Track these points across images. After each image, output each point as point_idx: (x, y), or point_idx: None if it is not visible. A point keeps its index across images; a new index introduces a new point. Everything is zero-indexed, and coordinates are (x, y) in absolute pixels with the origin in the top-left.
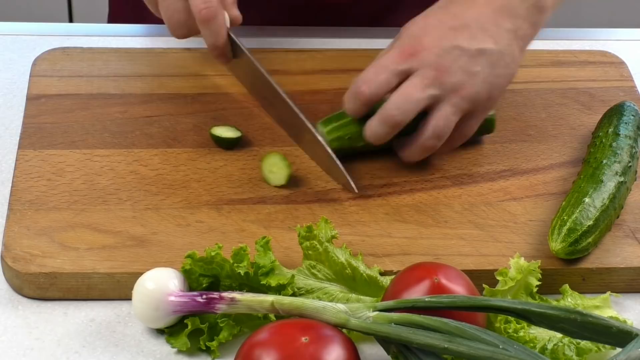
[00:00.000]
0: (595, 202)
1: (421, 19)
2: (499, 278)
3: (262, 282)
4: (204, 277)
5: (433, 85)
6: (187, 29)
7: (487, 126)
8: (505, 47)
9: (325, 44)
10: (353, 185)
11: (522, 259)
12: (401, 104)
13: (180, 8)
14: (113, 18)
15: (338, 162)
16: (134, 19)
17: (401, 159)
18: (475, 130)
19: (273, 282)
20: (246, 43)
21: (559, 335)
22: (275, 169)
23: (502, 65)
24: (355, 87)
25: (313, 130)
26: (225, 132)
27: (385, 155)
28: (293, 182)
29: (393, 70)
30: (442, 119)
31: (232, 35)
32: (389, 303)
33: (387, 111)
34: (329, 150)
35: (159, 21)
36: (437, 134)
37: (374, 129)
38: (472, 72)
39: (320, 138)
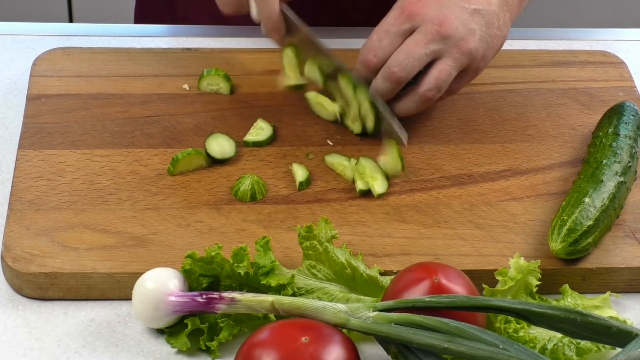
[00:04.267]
0: (595, 202)
1: None
2: (498, 278)
3: (262, 282)
4: (204, 277)
5: (435, 40)
6: (237, 4)
7: None
8: (498, 10)
9: (325, 44)
10: (403, 138)
11: (522, 258)
12: (403, 60)
13: None
14: (141, 13)
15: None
16: (163, 12)
17: (398, 112)
18: (462, 87)
19: (273, 282)
20: (245, 43)
21: (559, 335)
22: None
23: (495, 26)
24: (362, 57)
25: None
26: (219, 149)
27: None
28: (292, 182)
29: (396, 32)
30: (444, 72)
31: (285, 10)
32: (389, 303)
33: (389, 68)
34: (382, 108)
35: (184, 17)
36: (438, 85)
37: (378, 86)
38: (471, 29)
39: (379, 102)
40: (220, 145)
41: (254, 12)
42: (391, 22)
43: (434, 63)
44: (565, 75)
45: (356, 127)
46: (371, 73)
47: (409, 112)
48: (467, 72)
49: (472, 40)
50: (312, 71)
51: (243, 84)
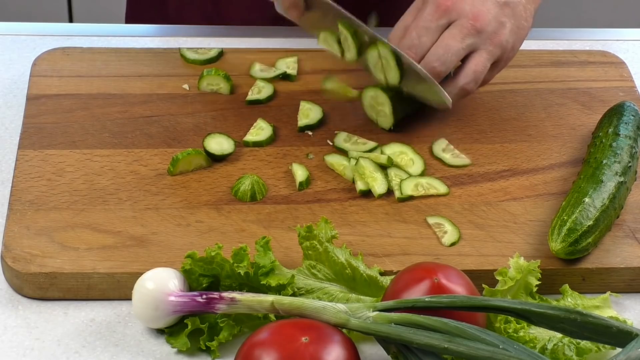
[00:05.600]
0: (595, 202)
1: None
2: (498, 278)
3: (262, 282)
4: (204, 277)
5: (471, 35)
6: None
7: None
8: (525, 2)
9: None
10: (447, 98)
11: (522, 258)
12: (442, 55)
13: None
14: (131, 15)
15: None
16: (154, 14)
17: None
18: (493, 78)
19: (273, 282)
20: (245, 43)
21: (559, 335)
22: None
23: (523, 18)
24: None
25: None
26: (217, 147)
27: None
28: (292, 182)
29: (434, 28)
30: (481, 65)
31: None
32: (389, 303)
33: (429, 63)
34: (424, 70)
35: (176, 17)
36: (476, 78)
37: None
38: (502, 22)
39: (414, 63)
40: (218, 143)
41: None
42: (428, 18)
43: (470, 56)
44: (565, 75)
45: (386, 123)
46: None
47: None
48: (498, 63)
49: (504, 33)
50: (328, 42)
51: (243, 84)
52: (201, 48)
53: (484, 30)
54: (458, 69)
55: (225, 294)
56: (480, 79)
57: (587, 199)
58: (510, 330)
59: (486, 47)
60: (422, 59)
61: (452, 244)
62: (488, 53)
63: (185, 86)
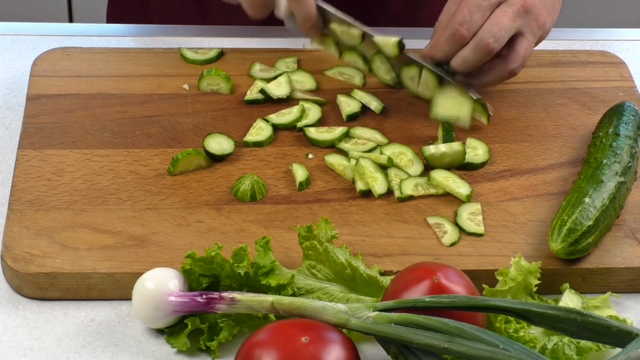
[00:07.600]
0: (595, 202)
1: None
2: (499, 278)
3: (262, 282)
4: (204, 277)
5: (520, 15)
6: (264, 6)
7: None
8: None
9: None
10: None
11: (523, 259)
12: (497, 32)
13: None
14: (112, 15)
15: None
16: (134, 14)
17: (479, 84)
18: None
19: (273, 282)
20: (245, 43)
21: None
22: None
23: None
24: (454, 31)
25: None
26: (217, 147)
27: None
28: (292, 182)
29: (486, 6)
30: (529, 49)
31: (320, 4)
32: (389, 303)
33: (484, 40)
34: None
35: (159, 17)
36: (524, 62)
37: (468, 56)
38: (544, 3)
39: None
40: (218, 143)
41: (281, 10)
42: None
43: (515, 38)
44: (566, 75)
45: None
46: (460, 47)
47: (492, 85)
48: (537, 43)
49: (545, 14)
50: (354, 60)
51: (243, 84)
52: (201, 48)
53: (532, 10)
54: (503, 51)
55: (225, 294)
56: (526, 62)
57: (587, 199)
58: (510, 330)
59: (532, 29)
60: (473, 35)
61: (452, 244)
62: (533, 36)
63: (185, 86)
